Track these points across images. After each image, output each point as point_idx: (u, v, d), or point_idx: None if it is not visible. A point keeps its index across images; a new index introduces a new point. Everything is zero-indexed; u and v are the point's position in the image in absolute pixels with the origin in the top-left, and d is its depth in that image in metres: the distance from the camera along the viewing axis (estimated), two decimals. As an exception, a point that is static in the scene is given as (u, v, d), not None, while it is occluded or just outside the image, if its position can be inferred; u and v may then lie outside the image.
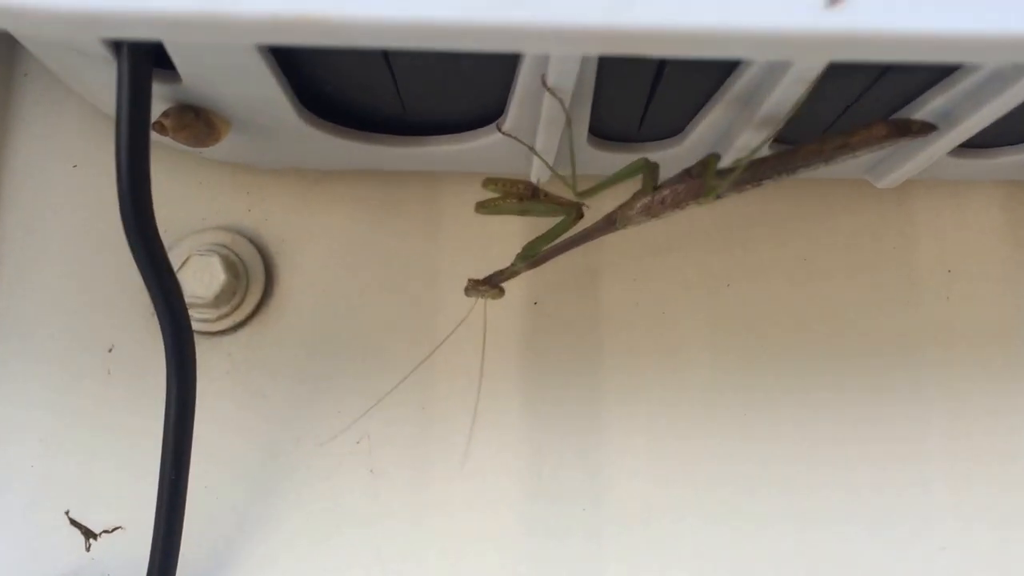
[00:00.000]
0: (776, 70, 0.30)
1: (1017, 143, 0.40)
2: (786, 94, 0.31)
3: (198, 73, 0.32)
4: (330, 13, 0.21)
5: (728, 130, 0.36)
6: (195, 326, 0.40)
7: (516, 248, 0.35)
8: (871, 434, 0.42)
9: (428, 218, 0.43)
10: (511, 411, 0.42)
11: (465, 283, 0.35)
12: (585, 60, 0.30)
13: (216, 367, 0.41)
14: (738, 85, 0.32)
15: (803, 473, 0.42)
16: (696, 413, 0.42)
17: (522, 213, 0.34)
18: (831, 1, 0.24)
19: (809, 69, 0.29)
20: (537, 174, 0.38)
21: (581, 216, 0.34)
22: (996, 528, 0.42)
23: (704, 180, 0.32)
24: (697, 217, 0.44)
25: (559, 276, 0.43)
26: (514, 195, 0.34)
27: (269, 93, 0.33)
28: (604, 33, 0.22)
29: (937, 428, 0.43)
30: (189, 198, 0.42)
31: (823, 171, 0.32)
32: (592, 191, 0.33)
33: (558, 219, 0.34)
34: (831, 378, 0.43)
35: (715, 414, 0.42)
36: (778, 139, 0.36)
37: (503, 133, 0.36)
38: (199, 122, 0.35)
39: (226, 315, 0.41)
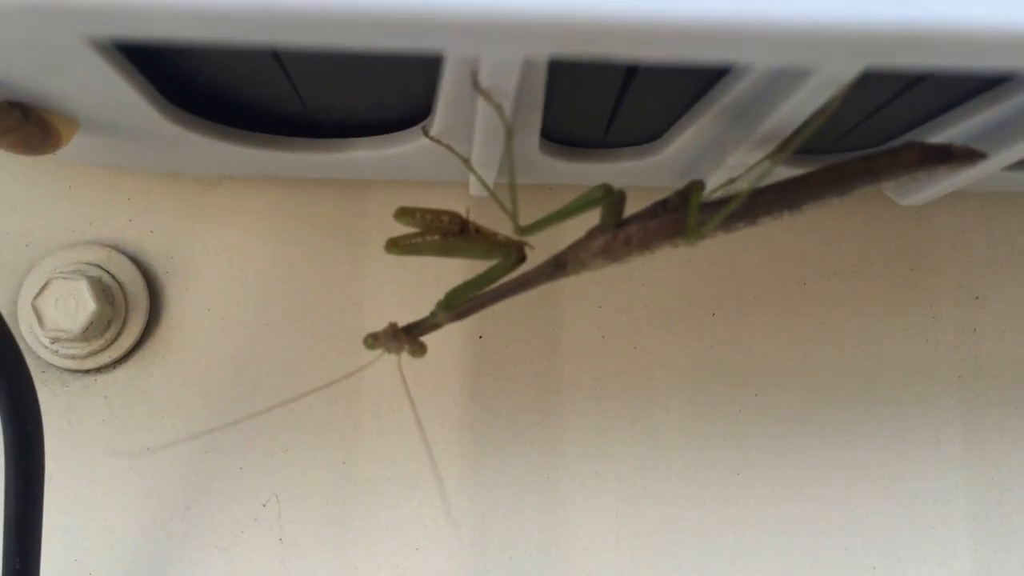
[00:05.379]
0: (791, 76, 0.22)
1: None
2: (802, 105, 0.23)
3: (11, 64, 0.24)
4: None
5: (718, 142, 0.28)
6: (60, 362, 0.34)
7: (458, 273, 0.27)
8: (884, 496, 0.36)
9: (349, 233, 0.36)
10: (451, 469, 0.35)
11: (379, 330, 0.27)
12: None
13: (89, 413, 0.34)
14: (736, 90, 0.24)
15: (805, 544, 0.35)
16: (673, 471, 0.35)
17: (446, 254, 0.26)
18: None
19: (841, 75, 0.21)
20: (475, 191, 0.30)
21: (523, 259, 0.26)
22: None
23: (684, 215, 0.25)
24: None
25: (509, 304, 0.35)
26: (436, 230, 0.26)
27: (115, 89, 0.25)
28: (557, 28, 0.15)
29: (963, 489, 0.36)
30: (55, 205, 0.35)
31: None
32: (538, 226, 0.26)
33: (493, 262, 0.26)
34: (835, 428, 0.37)
35: (695, 472, 0.36)
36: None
37: (430, 138, 0.28)
38: (28, 124, 0.27)
39: (100, 350, 0.34)
